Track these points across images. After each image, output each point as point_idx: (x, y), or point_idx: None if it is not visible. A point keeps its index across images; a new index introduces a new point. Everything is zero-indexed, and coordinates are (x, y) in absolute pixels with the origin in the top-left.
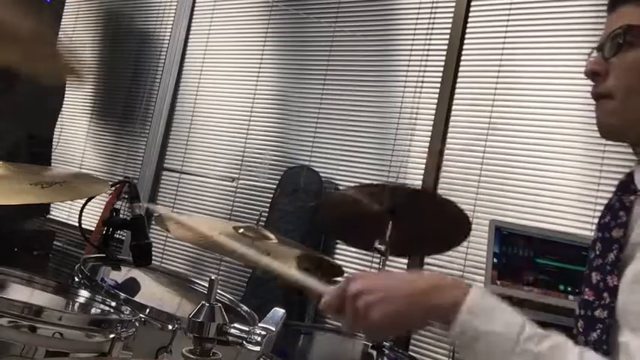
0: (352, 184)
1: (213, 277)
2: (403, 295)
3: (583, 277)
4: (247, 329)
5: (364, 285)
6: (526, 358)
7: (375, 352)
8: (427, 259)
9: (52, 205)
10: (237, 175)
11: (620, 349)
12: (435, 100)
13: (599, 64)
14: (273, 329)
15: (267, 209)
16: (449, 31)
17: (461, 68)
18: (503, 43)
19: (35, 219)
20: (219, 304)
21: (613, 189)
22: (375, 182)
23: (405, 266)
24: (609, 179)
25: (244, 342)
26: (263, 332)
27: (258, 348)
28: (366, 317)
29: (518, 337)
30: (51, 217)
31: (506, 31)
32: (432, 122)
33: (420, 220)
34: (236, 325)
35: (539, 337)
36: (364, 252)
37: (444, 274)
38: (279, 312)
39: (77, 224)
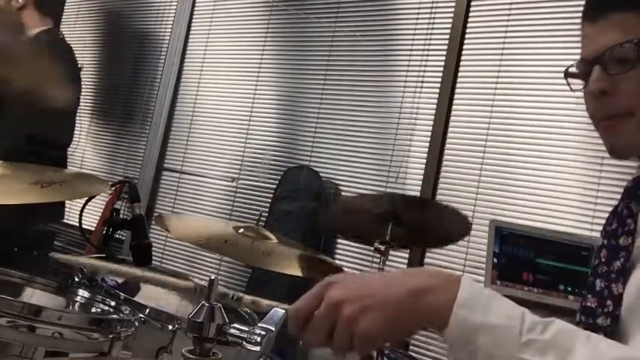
0: (352, 185)
1: (213, 277)
2: (392, 299)
3: (586, 284)
4: (247, 329)
5: (345, 292)
6: (533, 348)
7: (375, 352)
8: (427, 259)
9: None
10: (237, 175)
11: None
12: (435, 100)
13: (606, 81)
14: (273, 329)
15: (267, 209)
16: (449, 31)
17: (461, 68)
18: (503, 43)
19: (48, 224)
20: (219, 304)
21: (613, 189)
22: (375, 192)
23: (405, 266)
24: (609, 179)
25: (244, 342)
26: (263, 332)
27: (257, 348)
28: (351, 329)
29: (521, 327)
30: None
31: (506, 31)
32: (432, 122)
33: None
34: (236, 325)
35: (542, 325)
36: (364, 252)
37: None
38: (279, 312)
39: (77, 224)
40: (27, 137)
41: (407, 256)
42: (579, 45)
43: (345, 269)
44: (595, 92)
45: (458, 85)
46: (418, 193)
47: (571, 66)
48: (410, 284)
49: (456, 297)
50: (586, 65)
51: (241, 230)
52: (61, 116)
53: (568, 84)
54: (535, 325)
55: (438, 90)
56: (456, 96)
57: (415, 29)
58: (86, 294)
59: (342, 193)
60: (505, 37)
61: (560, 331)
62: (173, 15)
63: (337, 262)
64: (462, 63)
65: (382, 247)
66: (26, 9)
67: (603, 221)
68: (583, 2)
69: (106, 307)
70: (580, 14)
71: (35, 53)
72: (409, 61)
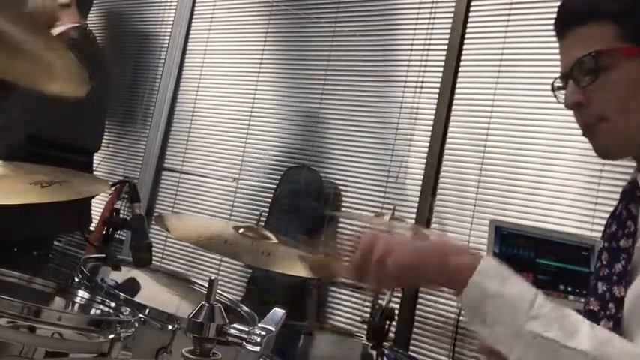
0: (352, 185)
1: (213, 277)
2: (426, 249)
3: (588, 286)
4: (247, 329)
5: (378, 238)
6: (539, 322)
7: (374, 352)
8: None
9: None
10: (237, 175)
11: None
12: (435, 100)
13: (579, 93)
14: (273, 329)
15: (267, 209)
16: (449, 31)
17: (461, 68)
18: (503, 43)
19: (74, 234)
20: (219, 304)
21: (613, 189)
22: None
23: None
24: (609, 179)
25: (244, 342)
26: (263, 332)
27: (257, 348)
28: (384, 260)
29: (532, 302)
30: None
31: (506, 31)
32: (432, 122)
33: None
34: (236, 325)
35: (552, 306)
36: None
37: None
38: (279, 312)
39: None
40: (48, 140)
41: None
42: None
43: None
44: (571, 105)
45: (458, 85)
46: (418, 193)
47: (556, 79)
48: (439, 243)
49: (478, 263)
50: (563, 80)
51: (241, 230)
52: (88, 121)
53: (555, 96)
54: (546, 303)
55: (438, 90)
56: (456, 96)
57: (415, 29)
58: (86, 294)
59: (342, 193)
60: (505, 37)
61: (568, 314)
62: (173, 15)
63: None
64: (462, 63)
65: None
66: (70, 7)
67: (603, 221)
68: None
69: (106, 308)
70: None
71: (55, 46)
72: (409, 61)
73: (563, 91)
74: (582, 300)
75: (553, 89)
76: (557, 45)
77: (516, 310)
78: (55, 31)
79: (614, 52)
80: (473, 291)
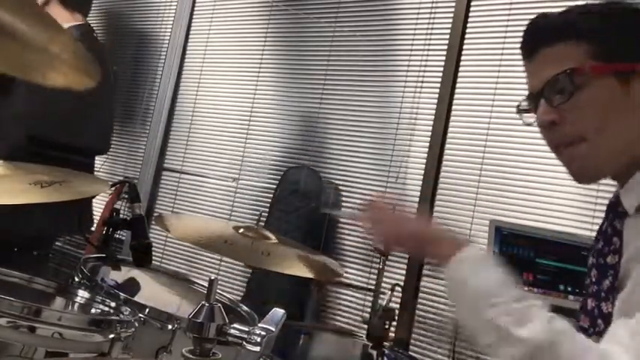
0: (352, 185)
1: (213, 277)
2: (422, 224)
3: (581, 304)
4: (247, 329)
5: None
6: (497, 310)
7: (375, 352)
8: (427, 259)
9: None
10: (237, 175)
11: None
12: (435, 100)
13: (553, 113)
14: (273, 329)
15: (267, 209)
16: (449, 31)
17: (461, 68)
18: (503, 43)
19: (74, 236)
20: (219, 304)
21: (613, 189)
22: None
23: (405, 266)
24: (609, 179)
25: (244, 342)
26: (263, 333)
27: (257, 348)
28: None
29: (498, 292)
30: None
31: (506, 31)
32: (432, 122)
33: None
34: (236, 325)
35: (515, 296)
36: (364, 252)
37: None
38: (279, 312)
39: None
40: (51, 141)
41: (407, 256)
42: None
43: (345, 269)
44: (545, 124)
45: (458, 85)
46: (418, 193)
47: (522, 101)
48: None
49: (460, 249)
50: (533, 100)
51: (241, 230)
52: (93, 122)
53: (521, 119)
54: (512, 297)
55: (438, 90)
56: (456, 96)
57: (415, 29)
58: (86, 294)
59: (342, 193)
60: (505, 37)
61: (530, 305)
62: (173, 15)
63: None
64: (462, 63)
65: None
66: (50, 4)
67: None
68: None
69: (106, 308)
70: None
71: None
72: (409, 61)
73: (528, 115)
74: (582, 300)
75: (519, 112)
76: None
77: (480, 299)
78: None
79: (587, 71)
80: (448, 274)
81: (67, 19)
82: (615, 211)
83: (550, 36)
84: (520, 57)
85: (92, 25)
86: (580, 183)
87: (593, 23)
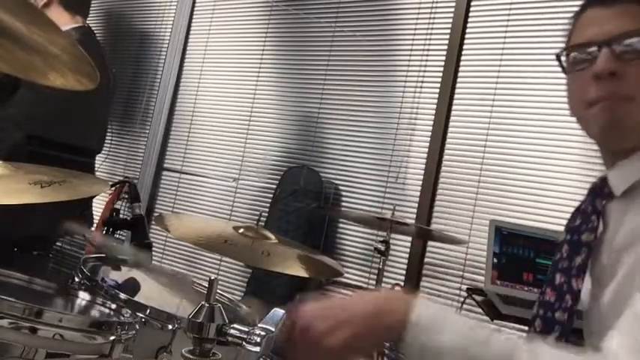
0: (352, 185)
1: (213, 277)
2: (358, 317)
3: (546, 278)
4: (247, 330)
5: (313, 314)
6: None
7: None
8: (427, 259)
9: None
10: (237, 175)
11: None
12: (435, 100)
13: (615, 63)
14: (273, 330)
15: (267, 209)
16: (449, 31)
17: (461, 68)
18: (503, 43)
19: (73, 237)
20: (219, 305)
21: None
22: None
23: (405, 266)
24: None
25: (244, 342)
26: (263, 333)
27: (257, 349)
28: (323, 346)
29: (467, 342)
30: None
31: (506, 31)
32: (432, 122)
33: None
34: (235, 325)
35: (487, 338)
36: (364, 252)
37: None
38: (279, 312)
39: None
40: (49, 141)
41: (407, 256)
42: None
43: (345, 269)
44: (604, 73)
45: (458, 85)
46: (418, 193)
47: (567, 49)
48: (372, 304)
49: (409, 316)
50: (589, 48)
51: (241, 230)
52: (90, 122)
53: (561, 66)
54: (480, 340)
55: (438, 90)
56: (456, 96)
57: (415, 29)
58: (87, 296)
59: (342, 193)
60: (505, 37)
61: (505, 340)
62: (173, 15)
63: (337, 262)
64: (461, 63)
65: (382, 247)
66: (51, 6)
67: None
68: (582, 2)
69: (107, 309)
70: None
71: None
72: (409, 61)
73: (577, 63)
74: (549, 273)
75: (565, 56)
76: (556, 45)
77: (454, 357)
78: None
79: None
80: (407, 349)
81: (67, 21)
82: (600, 191)
83: None
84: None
85: (92, 25)
86: (603, 137)
87: None
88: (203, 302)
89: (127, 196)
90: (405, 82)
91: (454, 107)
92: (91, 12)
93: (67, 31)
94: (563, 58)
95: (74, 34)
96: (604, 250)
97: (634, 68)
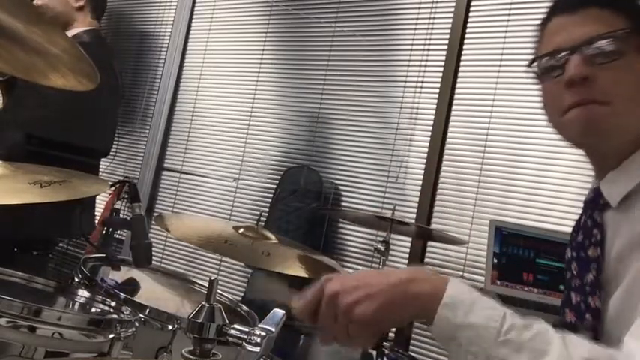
0: (352, 185)
1: (213, 277)
2: (383, 288)
3: (562, 298)
4: (247, 330)
5: (342, 285)
6: (509, 348)
7: (374, 352)
8: (427, 259)
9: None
10: (237, 175)
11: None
12: (435, 100)
13: (586, 68)
14: (273, 330)
15: (267, 209)
16: (449, 31)
17: (461, 68)
18: (503, 43)
19: (72, 239)
20: (219, 305)
21: None
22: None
23: (405, 266)
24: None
25: (244, 342)
26: (263, 333)
27: (257, 349)
28: (349, 318)
29: (500, 327)
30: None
31: (506, 31)
32: (432, 122)
33: None
34: (236, 325)
35: (521, 327)
36: (364, 252)
37: (424, 268)
38: (279, 312)
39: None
40: (53, 142)
41: (407, 256)
42: None
43: (345, 269)
44: (577, 78)
45: (458, 85)
46: (418, 193)
47: (537, 58)
48: (398, 275)
49: (442, 290)
50: (559, 54)
51: (241, 230)
52: (97, 125)
53: (535, 71)
54: (514, 326)
55: (438, 90)
56: (456, 96)
57: (415, 29)
58: (86, 294)
59: (342, 193)
60: (505, 37)
61: (537, 334)
62: (173, 15)
63: (337, 262)
64: (462, 63)
65: (382, 247)
66: (84, 10)
67: None
68: (546, 10)
69: (106, 308)
70: None
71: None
72: (409, 61)
73: (550, 71)
74: (564, 294)
75: (536, 63)
76: None
77: (485, 339)
78: (69, 34)
79: (631, 42)
80: (440, 325)
81: (89, 25)
82: (595, 203)
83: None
84: (520, 57)
85: None
86: (582, 141)
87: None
88: (203, 302)
89: (127, 196)
90: (405, 82)
91: (454, 107)
92: None
93: (79, 33)
94: (533, 68)
95: (85, 36)
96: (605, 263)
97: (606, 72)
